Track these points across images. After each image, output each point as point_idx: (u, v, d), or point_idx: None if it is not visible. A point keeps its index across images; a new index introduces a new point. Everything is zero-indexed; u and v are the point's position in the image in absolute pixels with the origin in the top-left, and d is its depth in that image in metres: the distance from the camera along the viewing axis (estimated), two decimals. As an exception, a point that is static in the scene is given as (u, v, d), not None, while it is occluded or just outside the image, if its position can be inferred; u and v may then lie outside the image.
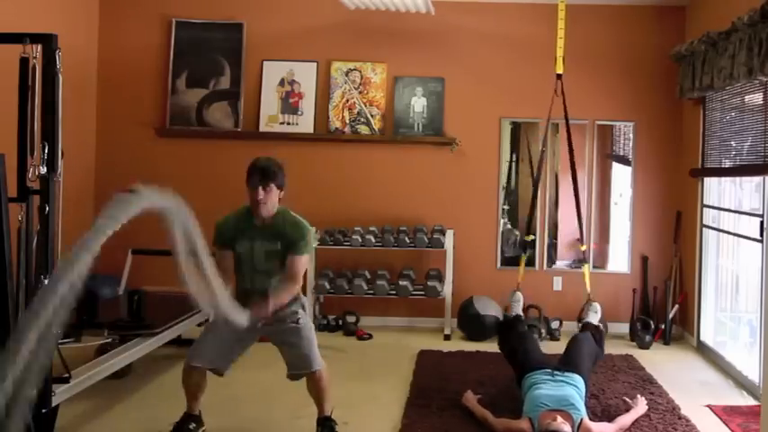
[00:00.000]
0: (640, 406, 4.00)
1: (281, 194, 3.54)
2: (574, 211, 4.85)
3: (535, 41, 5.94)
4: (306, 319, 3.61)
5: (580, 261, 6.08)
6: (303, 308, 3.63)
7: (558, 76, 4.60)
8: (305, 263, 3.61)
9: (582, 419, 3.48)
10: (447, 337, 5.77)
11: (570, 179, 4.89)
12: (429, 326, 6.07)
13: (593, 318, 4.41)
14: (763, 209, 4.56)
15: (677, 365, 5.19)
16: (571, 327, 5.18)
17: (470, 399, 4.03)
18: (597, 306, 4.49)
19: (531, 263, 6.14)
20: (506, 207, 6.27)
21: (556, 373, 3.78)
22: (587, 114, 6.07)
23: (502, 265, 6.19)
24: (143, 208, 1.92)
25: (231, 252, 3.53)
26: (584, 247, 4.74)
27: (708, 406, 4.27)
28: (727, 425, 3.96)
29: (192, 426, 3.56)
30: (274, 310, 3.44)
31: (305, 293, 4.79)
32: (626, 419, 3.82)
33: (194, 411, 3.60)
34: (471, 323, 5.78)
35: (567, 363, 3.93)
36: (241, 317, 3.13)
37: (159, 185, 2.12)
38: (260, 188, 3.43)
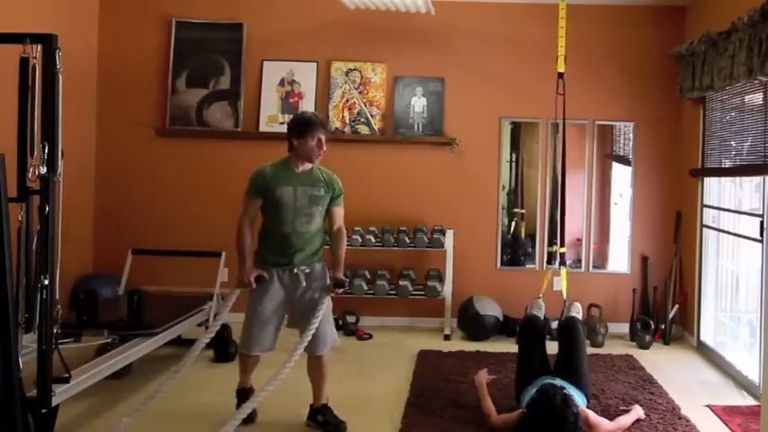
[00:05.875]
0: (639, 410, 4.00)
1: None
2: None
3: (535, 41, 5.94)
4: (326, 298, 3.73)
5: (578, 261, 6.11)
6: (324, 268, 3.83)
7: (560, 75, 4.58)
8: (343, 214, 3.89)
9: (580, 407, 3.49)
10: (447, 337, 5.77)
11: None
12: (429, 326, 6.07)
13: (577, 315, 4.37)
14: (763, 209, 4.56)
15: (677, 365, 5.19)
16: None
17: (482, 380, 4.04)
18: (578, 306, 4.47)
19: (531, 262, 6.17)
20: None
21: (556, 379, 3.75)
22: (587, 114, 6.07)
23: (502, 265, 6.20)
24: None
25: (260, 201, 3.66)
26: (563, 250, 4.72)
27: (708, 406, 4.27)
28: (727, 425, 3.96)
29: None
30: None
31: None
32: (625, 419, 3.83)
33: (247, 385, 3.83)
34: (471, 323, 5.79)
35: (566, 371, 3.86)
36: None
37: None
38: (323, 137, 3.63)
